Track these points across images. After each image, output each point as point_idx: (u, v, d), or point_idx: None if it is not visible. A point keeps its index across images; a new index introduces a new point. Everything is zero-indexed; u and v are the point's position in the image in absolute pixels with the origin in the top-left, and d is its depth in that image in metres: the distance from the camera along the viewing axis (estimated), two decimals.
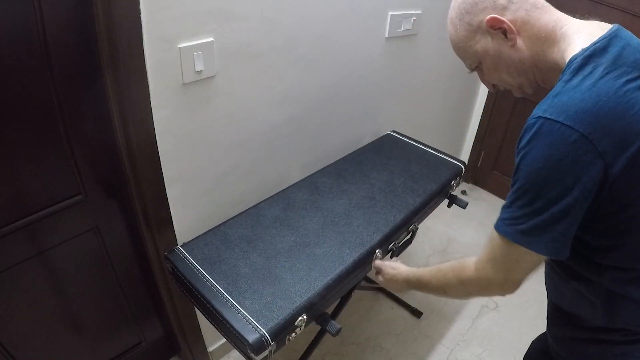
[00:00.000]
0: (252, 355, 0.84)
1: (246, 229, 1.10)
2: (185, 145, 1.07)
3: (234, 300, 0.90)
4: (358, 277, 1.10)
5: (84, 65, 0.89)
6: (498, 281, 0.69)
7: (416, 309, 1.77)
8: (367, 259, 1.07)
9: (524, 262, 0.64)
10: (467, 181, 2.68)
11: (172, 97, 0.98)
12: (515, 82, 0.72)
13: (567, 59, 0.60)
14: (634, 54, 0.58)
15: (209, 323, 0.95)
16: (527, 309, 1.79)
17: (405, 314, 1.78)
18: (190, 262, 1.00)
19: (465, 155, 2.62)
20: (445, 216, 2.25)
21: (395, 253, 1.19)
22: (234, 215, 1.16)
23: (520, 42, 0.66)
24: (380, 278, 1.04)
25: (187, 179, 1.12)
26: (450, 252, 2.13)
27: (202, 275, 0.96)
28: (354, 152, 1.50)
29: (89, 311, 1.17)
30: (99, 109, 0.95)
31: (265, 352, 0.85)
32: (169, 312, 1.33)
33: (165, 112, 0.99)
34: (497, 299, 1.86)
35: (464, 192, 2.59)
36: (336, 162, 1.43)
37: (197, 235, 1.09)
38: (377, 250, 1.09)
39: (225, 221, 1.13)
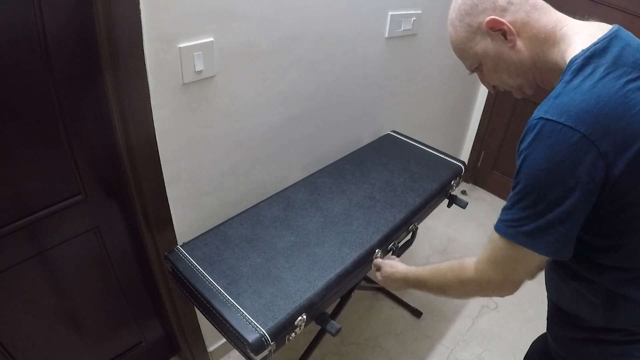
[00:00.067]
0: (251, 355, 0.84)
1: (246, 229, 1.10)
2: (185, 145, 1.07)
3: (233, 300, 0.90)
4: (358, 277, 1.10)
5: (84, 66, 0.89)
6: (498, 282, 0.68)
7: (416, 309, 1.77)
8: (367, 258, 1.07)
9: (524, 263, 0.64)
10: (467, 181, 2.68)
11: (172, 97, 0.98)
12: (515, 83, 0.72)
13: (568, 60, 0.60)
14: (634, 54, 0.58)
15: (209, 323, 0.95)
16: (527, 309, 1.79)
17: (405, 314, 1.78)
18: (190, 262, 1.00)
19: (465, 155, 2.62)
20: (445, 216, 2.25)
21: (396, 253, 1.19)
22: (234, 215, 1.16)
23: (520, 43, 0.66)
24: (378, 276, 1.04)
25: (187, 179, 1.12)
26: (450, 252, 2.13)
27: (202, 275, 0.96)
28: (353, 152, 1.50)
29: (89, 311, 1.17)
30: (99, 109, 0.95)
31: (265, 352, 0.85)
32: (169, 312, 1.33)
33: (165, 112, 0.99)
34: (497, 298, 1.85)
35: (464, 192, 2.59)
36: (336, 162, 1.43)
37: (197, 235, 1.09)
38: (377, 250, 1.09)
39: (225, 221, 1.13)
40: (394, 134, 1.64)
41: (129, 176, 1.03)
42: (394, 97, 1.76)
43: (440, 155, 1.50)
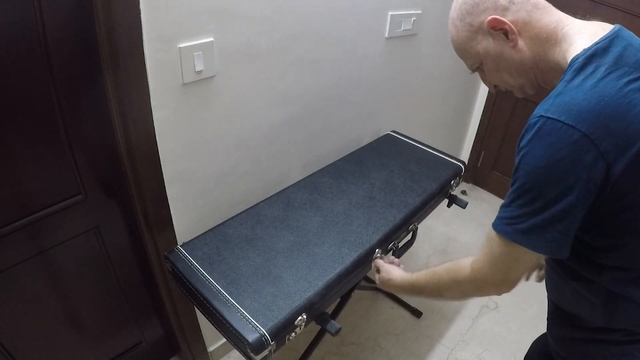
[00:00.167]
0: (252, 354, 0.84)
1: (246, 229, 1.10)
2: (185, 145, 1.07)
3: (233, 299, 0.90)
4: (358, 277, 1.10)
5: (84, 66, 0.89)
6: (495, 281, 0.68)
7: (416, 309, 1.77)
8: (366, 258, 1.07)
9: (522, 262, 0.64)
10: (467, 181, 2.68)
11: (172, 97, 0.98)
12: (517, 83, 0.72)
13: (569, 59, 0.60)
14: (636, 54, 0.58)
15: (209, 323, 0.95)
16: (527, 309, 1.79)
17: (405, 314, 1.78)
18: (190, 262, 1.00)
19: (465, 155, 2.62)
20: (445, 216, 2.25)
21: (397, 254, 1.19)
22: (234, 215, 1.16)
23: (521, 42, 0.66)
24: (377, 280, 1.04)
25: (187, 179, 1.12)
26: (450, 252, 2.13)
27: (202, 275, 0.96)
28: (353, 152, 1.50)
29: (89, 311, 1.17)
30: (99, 109, 0.95)
31: (265, 352, 0.85)
32: (169, 312, 1.33)
33: (165, 112, 0.99)
34: (497, 298, 1.85)
35: (463, 192, 2.59)
36: (336, 162, 1.43)
37: (197, 235, 1.09)
38: (376, 250, 1.09)
39: (225, 221, 1.13)
40: (393, 134, 1.64)
41: (129, 176, 1.03)
42: (394, 97, 1.76)
43: (440, 155, 1.50)
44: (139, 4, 0.83)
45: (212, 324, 0.94)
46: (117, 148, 1.00)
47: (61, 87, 0.87)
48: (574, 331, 0.76)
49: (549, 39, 0.64)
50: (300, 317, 0.90)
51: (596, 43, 0.58)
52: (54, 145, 0.91)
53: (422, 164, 1.43)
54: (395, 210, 1.20)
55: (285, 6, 1.12)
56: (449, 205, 1.46)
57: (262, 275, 0.97)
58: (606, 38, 0.58)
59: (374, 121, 1.72)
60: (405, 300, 1.81)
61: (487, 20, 0.67)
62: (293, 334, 0.91)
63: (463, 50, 0.74)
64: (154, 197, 1.06)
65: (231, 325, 0.86)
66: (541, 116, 0.56)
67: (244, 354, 0.87)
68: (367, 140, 1.63)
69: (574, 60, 0.59)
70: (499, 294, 0.71)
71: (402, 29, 1.55)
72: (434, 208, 1.38)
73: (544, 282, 0.85)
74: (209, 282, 0.94)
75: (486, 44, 0.70)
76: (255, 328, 0.84)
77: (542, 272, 1.01)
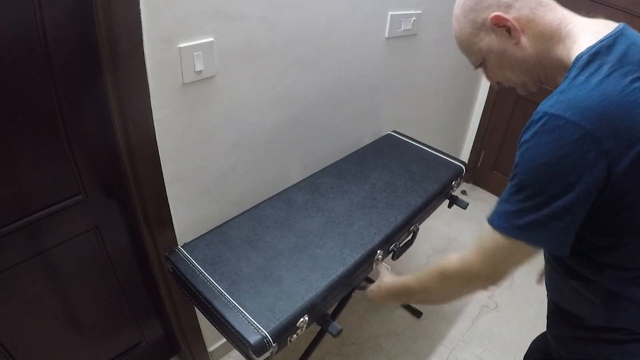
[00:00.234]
0: (253, 356, 0.84)
1: (247, 230, 1.10)
2: (185, 145, 1.07)
3: (235, 301, 0.90)
4: (359, 278, 1.10)
5: (84, 66, 0.89)
6: (485, 274, 0.68)
7: (416, 309, 1.77)
8: (368, 259, 1.07)
9: (516, 257, 0.64)
10: (467, 181, 2.68)
11: (172, 97, 0.98)
12: (519, 80, 0.72)
13: (573, 57, 0.60)
14: None
15: (209, 323, 0.95)
16: (527, 309, 1.79)
17: (405, 314, 1.78)
18: (191, 263, 1.00)
19: (465, 155, 2.62)
20: (446, 216, 2.25)
21: (397, 254, 1.19)
22: (235, 215, 1.15)
23: (524, 40, 0.66)
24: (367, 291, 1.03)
25: (187, 179, 1.12)
26: (451, 252, 2.13)
27: (203, 276, 0.96)
28: (354, 153, 1.50)
29: (89, 311, 1.17)
30: (99, 109, 0.95)
31: (267, 354, 0.85)
32: (169, 312, 1.33)
33: (165, 112, 0.98)
34: (497, 298, 1.86)
35: (464, 192, 2.59)
36: (337, 162, 1.43)
37: (198, 235, 1.09)
38: (378, 251, 1.09)
39: (226, 221, 1.13)
40: (394, 134, 1.64)
41: (129, 176, 1.03)
42: (394, 97, 1.76)
43: (441, 155, 1.50)
44: (139, 4, 0.83)
45: (214, 325, 0.93)
46: (117, 148, 1.00)
47: (61, 87, 0.87)
48: (573, 330, 0.76)
49: (552, 37, 0.64)
50: (302, 319, 0.89)
51: (600, 41, 0.58)
52: (54, 145, 0.91)
53: (423, 165, 1.43)
54: (396, 211, 1.20)
55: (285, 6, 1.12)
56: (449, 206, 1.46)
57: (264, 276, 0.97)
58: (610, 36, 0.58)
59: (374, 121, 1.71)
60: None
61: (490, 17, 0.66)
62: (295, 335, 0.91)
63: (466, 46, 0.74)
64: (154, 197, 1.06)
65: (233, 327, 0.85)
66: (545, 112, 0.56)
67: (246, 355, 0.87)
68: (367, 140, 1.63)
69: (578, 57, 0.58)
70: (485, 288, 0.71)
71: (402, 29, 1.54)
72: (435, 209, 1.38)
73: (543, 281, 0.85)
74: (211, 283, 0.94)
75: (489, 41, 0.69)
76: (257, 330, 0.84)
77: (540, 275, 1.01)
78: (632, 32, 0.61)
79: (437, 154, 1.51)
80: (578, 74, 0.57)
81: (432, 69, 1.90)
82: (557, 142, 0.54)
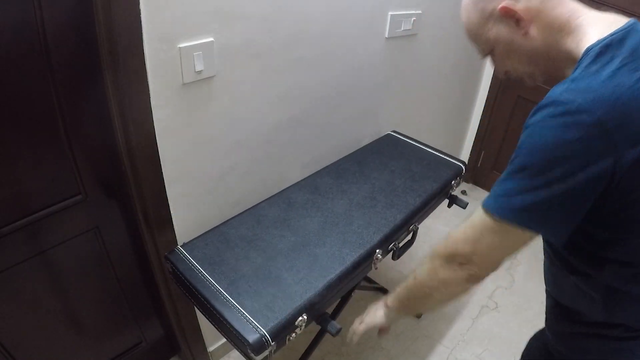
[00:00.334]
0: (252, 355, 0.84)
1: (246, 229, 1.10)
2: (185, 145, 1.07)
3: (234, 300, 0.90)
4: (358, 277, 1.10)
5: (84, 66, 0.89)
6: (468, 257, 0.65)
7: None
8: (367, 259, 1.07)
9: (503, 241, 0.62)
10: (467, 181, 2.68)
11: (172, 97, 0.98)
12: (527, 71, 0.72)
13: (583, 49, 0.59)
14: None
15: (209, 323, 0.95)
16: (527, 309, 1.79)
17: None
18: (190, 263, 1.00)
19: (465, 155, 2.62)
20: (445, 216, 2.25)
21: (397, 254, 1.19)
22: (234, 215, 1.16)
23: (533, 31, 0.65)
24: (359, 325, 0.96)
25: (187, 179, 1.12)
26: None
27: (202, 275, 0.96)
28: (354, 152, 1.50)
29: (89, 311, 1.17)
30: (99, 109, 0.95)
31: (266, 352, 0.85)
32: (169, 312, 1.33)
33: (165, 112, 0.99)
34: (497, 298, 1.85)
35: (464, 192, 2.59)
36: (336, 162, 1.43)
37: (198, 235, 1.09)
38: (377, 250, 1.09)
39: (226, 221, 1.13)
40: (394, 134, 1.64)
41: (129, 176, 1.03)
42: (394, 97, 1.76)
43: (441, 155, 1.50)
44: (139, 4, 0.83)
45: (213, 325, 0.94)
46: (117, 148, 1.00)
47: (61, 87, 0.87)
48: (572, 326, 0.76)
49: (561, 29, 0.64)
50: (300, 318, 0.89)
51: (612, 34, 0.57)
52: (54, 145, 0.91)
53: (422, 164, 1.43)
54: (395, 210, 1.20)
55: (286, 6, 1.12)
56: (449, 206, 1.46)
57: (263, 275, 0.97)
58: (622, 30, 0.58)
59: (374, 121, 1.72)
60: None
61: (498, 7, 0.66)
62: (293, 334, 0.91)
63: (474, 35, 0.74)
64: (154, 197, 1.06)
65: (232, 326, 0.86)
66: (556, 97, 0.55)
67: (245, 354, 0.87)
68: (367, 140, 1.63)
69: (589, 49, 0.58)
70: (470, 280, 0.67)
71: (402, 29, 1.55)
72: (435, 208, 1.38)
73: (543, 282, 0.84)
74: (210, 283, 0.94)
75: (497, 31, 0.69)
76: (256, 328, 0.84)
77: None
78: None
79: (437, 153, 1.51)
80: (590, 64, 0.56)
81: (432, 69, 1.90)
82: (567, 125, 0.53)
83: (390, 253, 1.18)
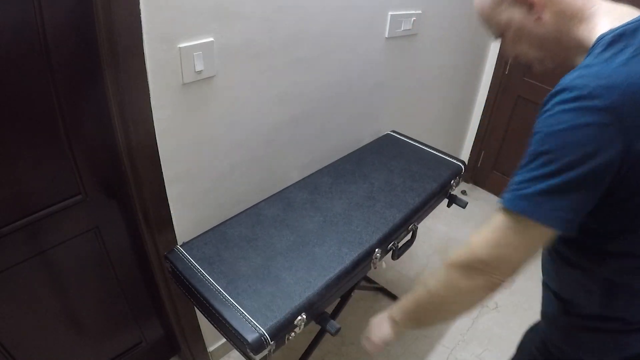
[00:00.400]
0: (251, 354, 0.84)
1: (246, 229, 1.10)
2: (185, 145, 1.07)
3: (233, 299, 0.90)
4: (358, 277, 1.10)
5: (84, 66, 0.89)
6: (490, 260, 0.62)
7: None
8: (366, 258, 1.07)
9: (523, 239, 0.59)
10: (467, 181, 2.68)
11: (172, 97, 0.98)
12: (537, 56, 0.71)
13: (595, 37, 0.59)
14: None
15: (209, 323, 0.95)
16: (527, 309, 1.79)
17: None
18: (189, 262, 1.00)
19: (465, 155, 2.62)
20: (445, 216, 2.25)
21: (397, 254, 1.19)
22: (234, 215, 1.16)
23: (545, 17, 0.65)
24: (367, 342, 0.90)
25: (187, 179, 1.12)
26: (450, 251, 2.13)
27: (201, 274, 0.96)
28: (353, 152, 1.50)
29: (89, 311, 1.17)
30: (99, 109, 0.95)
31: (265, 352, 0.85)
32: (169, 312, 1.33)
33: (165, 112, 0.99)
34: (497, 298, 1.85)
35: (463, 192, 2.59)
36: (336, 162, 1.43)
37: (197, 235, 1.09)
38: (376, 250, 1.09)
39: (225, 221, 1.13)
40: (393, 134, 1.64)
41: (129, 176, 1.03)
42: (394, 97, 1.76)
43: (440, 155, 1.50)
44: (139, 4, 0.83)
45: (212, 324, 0.94)
46: (117, 148, 1.00)
47: (61, 87, 0.87)
48: (568, 318, 0.75)
49: (574, 17, 0.63)
50: (299, 317, 0.90)
51: (625, 24, 0.57)
52: (54, 145, 0.91)
53: (422, 164, 1.43)
54: (395, 210, 1.20)
55: (286, 6, 1.12)
56: (449, 205, 1.46)
57: (262, 275, 0.97)
58: (636, 21, 0.58)
59: (374, 121, 1.72)
60: None
61: None
62: (292, 333, 0.91)
63: (486, 17, 0.73)
64: (154, 197, 1.06)
65: (231, 325, 0.86)
66: (569, 83, 0.55)
67: (244, 353, 0.87)
68: (367, 140, 1.63)
69: (601, 37, 0.58)
70: (494, 286, 0.63)
71: (402, 29, 1.55)
72: (434, 208, 1.38)
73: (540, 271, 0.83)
74: (209, 282, 0.94)
75: (510, 15, 0.69)
76: (255, 328, 0.84)
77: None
78: None
79: (436, 153, 1.51)
80: (602, 51, 0.56)
81: (432, 69, 1.90)
82: (579, 110, 0.52)
83: (390, 253, 1.18)
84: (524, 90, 2.16)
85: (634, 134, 0.52)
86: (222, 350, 1.57)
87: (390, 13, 1.47)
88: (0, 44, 0.75)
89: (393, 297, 1.83)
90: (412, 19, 1.57)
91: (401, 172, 1.38)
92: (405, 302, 0.80)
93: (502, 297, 1.86)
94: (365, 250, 1.06)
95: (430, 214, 1.37)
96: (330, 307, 1.06)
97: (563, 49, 0.67)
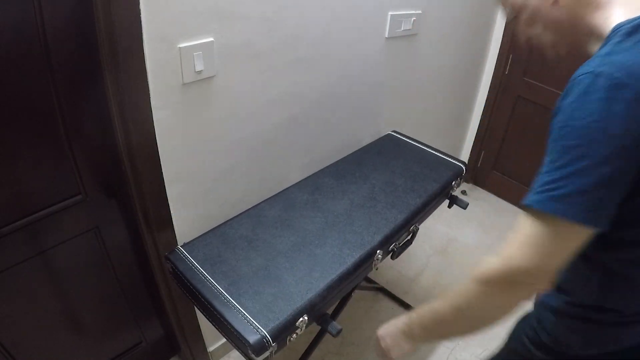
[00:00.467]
0: (252, 356, 0.84)
1: (247, 229, 1.10)
2: (185, 145, 1.07)
3: (234, 300, 0.90)
4: (359, 278, 1.10)
5: (84, 66, 0.89)
6: (531, 268, 0.57)
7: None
8: (368, 259, 1.07)
9: (561, 241, 0.55)
10: (467, 181, 2.68)
11: (172, 97, 0.98)
12: (550, 40, 0.70)
13: (611, 26, 0.59)
14: None
15: (209, 323, 0.95)
16: (527, 309, 1.79)
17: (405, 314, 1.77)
18: (190, 263, 1.00)
19: (465, 155, 2.62)
20: (446, 216, 2.25)
21: (396, 254, 1.19)
22: (235, 215, 1.16)
23: (562, 1, 0.64)
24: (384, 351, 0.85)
25: (187, 179, 1.12)
26: (451, 252, 2.13)
27: (202, 275, 0.96)
28: (354, 152, 1.50)
29: (89, 311, 1.17)
30: (99, 109, 0.95)
31: (266, 353, 0.85)
32: (169, 312, 1.33)
33: (165, 112, 0.98)
34: None
35: (464, 192, 2.59)
36: (337, 162, 1.43)
37: (198, 235, 1.09)
38: (377, 251, 1.09)
39: (226, 221, 1.13)
40: (394, 134, 1.64)
41: (129, 176, 1.03)
42: (395, 97, 1.76)
43: (441, 155, 1.50)
44: (139, 4, 0.83)
45: (213, 325, 0.93)
46: (117, 148, 1.00)
47: (61, 87, 0.87)
48: (563, 306, 0.74)
49: (590, 3, 0.63)
50: (301, 319, 0.89)
51: None
52: (54, 145, 0.91)
53: (423, 165, 1.43)
54: (396, 211, 1.20)
55: (285, 6, 1.12)
56: (449, 206, 1.46)
57: (263, 276, 0.97)
58: None
59: (374, 121, 1.72)
60: (405, 300, 1.81)
61: None
62: (294, 335, 0.91)
63: None
64: (154, 197, 1.06)
65: (232, 327, 0.85)
66: (591, 72, 0.53)
67: (245, 355, 0.87)
68: (367, 140, 1.63)
69: (619, 26, 0.57)
70: (531, 293, 0.59)
71: (402, 29, 1.55)
72: (435, 208, 1.38)
73: None
74: (210, 283, 0.94)
75: None
76: (257, 329, 0.84)
77: None
78: None
79: (437, 154, 1.51)
80: (621, 41, 0.55)
81: (432, 69, 1.90)
82: (609, 99, 0.51)
83: (390, 254, 1.18)
84: (524, 90, 2.16)
85: None
86: (222, 350, 1.57)
87: (390, 13, 1.47)
88: (0, 44, 0.75)
89: (393, 297, 1.83)
90: (412, 19, 1.56)
91: (402, 172, 1.38)
92: (426, 319, 0.75)
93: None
94: (367, 252, 1.06)
95: (431, 214, 1.37)
96: (330, 307, 1.06)
97: (577, 34, 0.66)
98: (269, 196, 1.24)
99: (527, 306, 0.92)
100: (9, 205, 0.89)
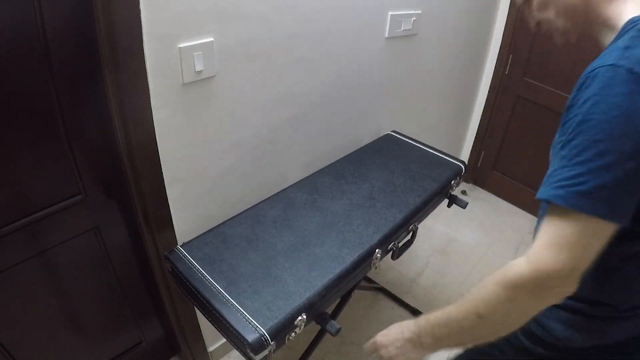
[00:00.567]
0: (251, 354, 0.84)
1: (246, 229, 1.10)
2: (185, 145, 1.07)
3: (233, 300, 0.90)
4: (358, 277, 1.10)
5: (84, 65, 0.89)
6: (562, 269, 0.54)
7: (416, 309, 1.76)
8: (367, 259, 1.07)
9: (589, 236, 0.53)
10: (467, 181, 2.68)
11: (172, 97, 0.98)
12: (562, 25, 0.70)
13: (626, 19, 0.59)
14: None
15: (209, 323, 0.95)
16: None
17: (405, 314, 1.78)
18: (190, 262, 1.00)
19: (465, 155, 2.62)
20: (445, 216, 2.25)
21: (396, 254, 1.19)
22: (234, 215, 1.16)
23: None
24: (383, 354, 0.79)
25: (187, 179, 1.12)
26: (450, 252, 2.13)
27: (201, 275, 0.96)
28: (354, 152, 1.50)
29: (89, 311, 1.17)
30: (99, 109, 0.95)
31: (265, 352, 0.85)
32: (169, 312, 1.33)
33: (165, 112, 0.99)
34: None
35: (463, 192, 2.59)
36: (336, 162, 1.43)
37: (197, 235, 1.09)
38: (376, 250, 1.09)
39: (225, 221, 1.13)
40: (394, 134, 1.64)
41: (129, 176, 1.03)
42: (394, 97, 1.76)
43: (441, 155, 1.50)
44: (139, 4, 0.83)
45: (212, 324, 0.94)
46: (117, 148, 1.00)
47: (61, 87, 0.87)
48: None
49: None
50: (300, 317, 0.90)
51: None
52: (54, 145, 0.91)
53: (422, 164, 1.43)
54: (395, 210, 1.20)
55: (285, 6, 1.12)
56: (449, 206, 1.46)
57: (262, 275, 0.97)
58: None
59: (374, 121, 1.72)
60: (405, 300, 1.81)
61: None
62: (293, 334, 0.91)
63: None
64: (154, 197, 1.06)
65: (231, 325, 0.86)
66: (612, 65, 0.52)
67: (244, 354, 0.87)
68: (367, 140, 1.63)
69: (634, 20, 0.57)
70: (561, 296, 0.57)
71: (402, 29, 1.55)
72: (434, 208, 1.38)
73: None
74: (209, 282, 0.94)
75: None
76: (255, 328, 0.84)
77: None
78: None
79: (437, 153, 1.51)
80: (638, 36, 0.54)
81: (432, 69, 1.90)
82: (633, 93, 0.50)
83: (390, 253, 1.18)
84: (524, 90, 2.16)
85: None
86: (222, 350, 1.57)
87: (390, 13, 1.47)
88: (0, 44, 0.75)
89: (393, 297, 1.83)
90: (412, 19, 1.57)
91: (401, 172, 1.38)
92: (438, 327, 0.71)
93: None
94: (366, 251, 1.06)
95: (430, 214, 1.37)
96: (330, 307, 1.06)
97: (590, 22, 0.66)
98: (268, 196, 1.24)
99: None
100: (9, 205, 0.89)
